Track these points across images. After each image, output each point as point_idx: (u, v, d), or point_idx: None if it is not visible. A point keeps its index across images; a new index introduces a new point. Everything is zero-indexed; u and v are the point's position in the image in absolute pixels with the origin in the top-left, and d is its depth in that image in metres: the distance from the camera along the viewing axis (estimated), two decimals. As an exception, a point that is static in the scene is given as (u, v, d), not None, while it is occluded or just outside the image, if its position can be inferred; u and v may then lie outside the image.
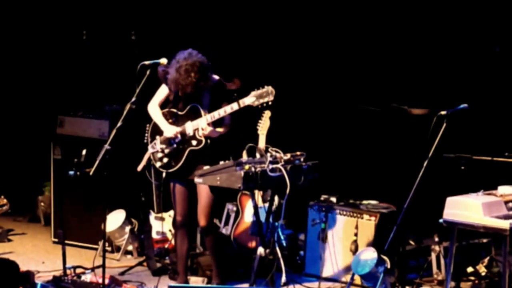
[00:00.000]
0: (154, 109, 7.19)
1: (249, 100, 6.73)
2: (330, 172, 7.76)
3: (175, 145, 7.08)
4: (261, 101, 6.70)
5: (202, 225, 7.16)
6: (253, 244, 7.72)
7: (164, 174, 7.17)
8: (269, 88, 6.68)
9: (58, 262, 7.78)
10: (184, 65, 6.85)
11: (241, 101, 6.78)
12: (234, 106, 6.82)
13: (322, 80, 9.48)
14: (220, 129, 7.07)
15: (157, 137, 7.16)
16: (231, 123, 7.12)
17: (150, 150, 7.18)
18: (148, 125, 7.31)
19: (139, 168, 7.30)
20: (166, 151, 7.11)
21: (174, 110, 7.14)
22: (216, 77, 7.09)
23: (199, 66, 6.86)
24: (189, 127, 7.00)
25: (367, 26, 9.30)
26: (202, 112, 6.97)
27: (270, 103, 6.72)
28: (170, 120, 7.12)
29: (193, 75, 6.84)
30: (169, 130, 7.07)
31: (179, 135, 7.05)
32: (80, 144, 8.24)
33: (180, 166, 7.05)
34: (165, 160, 7.12)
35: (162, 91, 7.19)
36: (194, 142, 7.00)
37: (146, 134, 7.36)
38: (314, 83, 9.49)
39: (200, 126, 6.93)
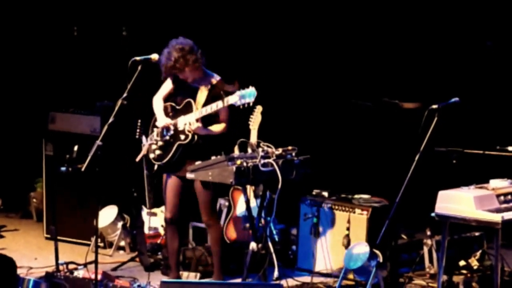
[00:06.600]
0: (156, 101, 7.25)
1: (233, 99, 6.76)
2: (322, 167, 7.76)
3: (167, 137, 7.09)
4: (243, 101, 6.72)
5: (203, 221, 7.24)
6: (245, 239, 7.72)
7: (155, 167, 7.19)
8: (252, 90, 6.69)
9: (50, 258, 7.76)
10: (173, 50, 6.93)
11: (225, 100, 6.83)
12: (219, 104, 6.86)
13: (313, 75, 9.48)
14: (215, 128, 7.05)
15: (155, 129, 7.19)
16: (229, 123, 7.11)
17: (148, 141, 7.21)
18: (139, 121, 7.32)
19: (138, 158, 7.34)
20: (160, 143, 7.13)
21: (174, 104, 7.17)
22: (218, 77, 7.11)
23: (188, 49, 6.93)
24: (181, 121, 7.02)
25: (358, 21, 9.31)
26: (194, 107, 6.99)
27: (251, 104, 6.76)
28: (171, 113, 7.15)
29: (188, 57, 6.92)
30: (161, 121, 7.11)
31: (171, 127, 7.06)
32: (71, 140, 8.23)
33: (169, 160, 7.07)
34: (158, 152, 7.13)
35: (167, 85, 7.24)
36: (182, 137, 7.02)
37: (138, 130, 7.35)
38: (305, 78, 9.49)
39: (189, 120, 6.95)
